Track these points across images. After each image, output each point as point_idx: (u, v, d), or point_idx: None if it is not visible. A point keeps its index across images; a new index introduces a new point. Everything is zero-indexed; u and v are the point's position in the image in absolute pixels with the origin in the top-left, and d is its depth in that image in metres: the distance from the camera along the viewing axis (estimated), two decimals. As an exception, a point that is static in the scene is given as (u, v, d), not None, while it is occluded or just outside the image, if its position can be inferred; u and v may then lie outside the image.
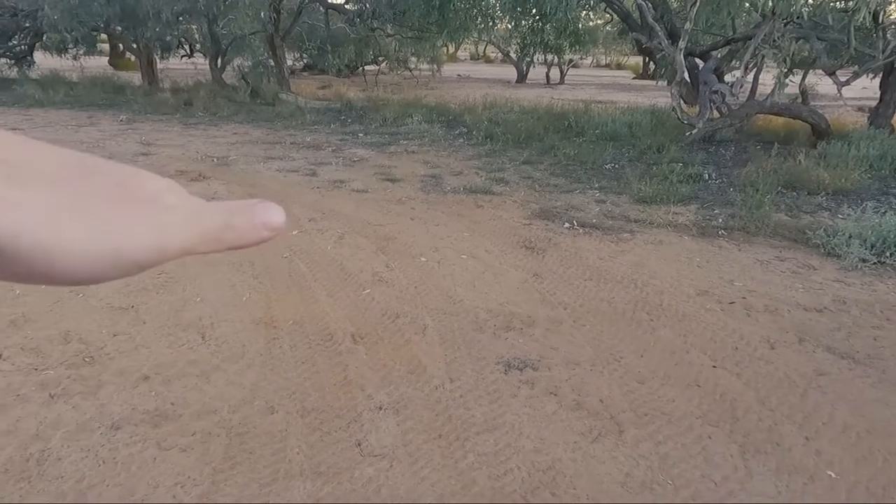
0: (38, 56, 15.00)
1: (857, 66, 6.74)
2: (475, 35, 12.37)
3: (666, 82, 9.00)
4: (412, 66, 19.08)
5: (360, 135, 8.60)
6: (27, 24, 13.06)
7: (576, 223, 4.64)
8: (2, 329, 2.81)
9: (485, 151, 7.44)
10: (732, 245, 4.23)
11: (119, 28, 12.43)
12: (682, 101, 6.98)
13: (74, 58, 14.34)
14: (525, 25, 8.25)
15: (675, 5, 8.48)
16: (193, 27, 14.87)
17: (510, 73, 22.81)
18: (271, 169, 6.30)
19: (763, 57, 5.30)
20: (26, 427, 2.13)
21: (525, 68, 21.09)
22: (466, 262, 3.81)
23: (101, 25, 12.00)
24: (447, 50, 24.03)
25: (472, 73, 24.46)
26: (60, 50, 13.82)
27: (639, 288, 3.48)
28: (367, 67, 19.30)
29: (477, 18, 8.95)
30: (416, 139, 8.30)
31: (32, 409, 2.23)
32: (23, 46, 14.21)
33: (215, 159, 6.66)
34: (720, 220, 4.72)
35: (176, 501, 1.85)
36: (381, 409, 2.32)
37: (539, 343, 2.84)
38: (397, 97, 12.90)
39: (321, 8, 13.01)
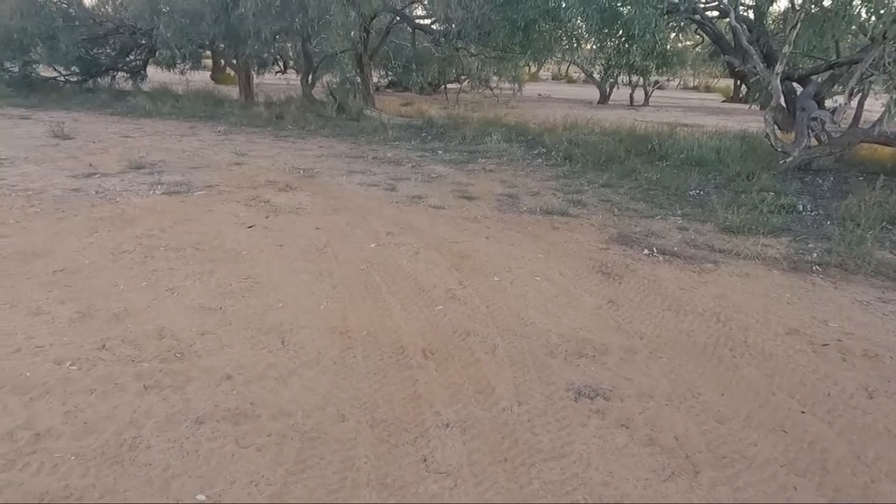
0: (150, 70, 16.34)
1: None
2: (559, 55, 12.30)
3: (759, 107, 8.58)
4: (493, 84, 19.25)
5: (440, 152, 8.75)
6: (143, 42, 14.27)
7: (655, 250, 4.50)
8: (107, 321, 3.06)
9: (563, 173, 7.37)
10: (828, 282, 3.95)
11: (222, 45, 13.32)
12: (776, 128, 6.63)
13: (182, 72, 15.52)
14: (611, 46, 8.13)
15: (772, 27, 8.10)
16: (288, 45, 15.75)
17: (592, 93, 22.52)
18: (353, 182, 6.53)
19: (871, 83, 4.95)
20: (122, 414, 2.31)
21: (608, 89, 20.77)
22: (540, 284, 3.78)
23: (207, 43, 12.92)
24: (529, 69, 24.05)
25: (553, 93, 24.34)
26: (170, 65, 14.97)
27: (721, 322, 3.32)
28: (449, 85, 19.67)
29: (562, 39, 8.91)
30: (494, 158, 8.34)
31: (128, 399, 2.41)
32: (138, 61, 15.53)
33: (302, 171, 6.98)
34: (815, 255, 4.43)
35: (250, 500, 1.94)
36: (448, 426, 2.33)
37: (612, 372, 2.77)
38: (477, 115, 13.03)
39: (408, 28, 13.40)
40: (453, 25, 10.48)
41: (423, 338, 3.01)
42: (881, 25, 4.58)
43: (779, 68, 5.69)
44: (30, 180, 5.88)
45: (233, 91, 15.88)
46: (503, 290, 3.66)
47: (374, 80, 17.21)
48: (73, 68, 14.79)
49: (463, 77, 19.14)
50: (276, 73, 20.59)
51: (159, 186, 5.90)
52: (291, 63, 19.23)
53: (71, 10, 13.45)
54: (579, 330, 3.17)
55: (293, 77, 19.35)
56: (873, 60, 4.91)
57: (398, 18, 12.81)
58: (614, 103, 20.20)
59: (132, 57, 15.48)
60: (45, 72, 15.13)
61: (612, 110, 17.75)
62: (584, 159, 7.90)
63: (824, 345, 3.09)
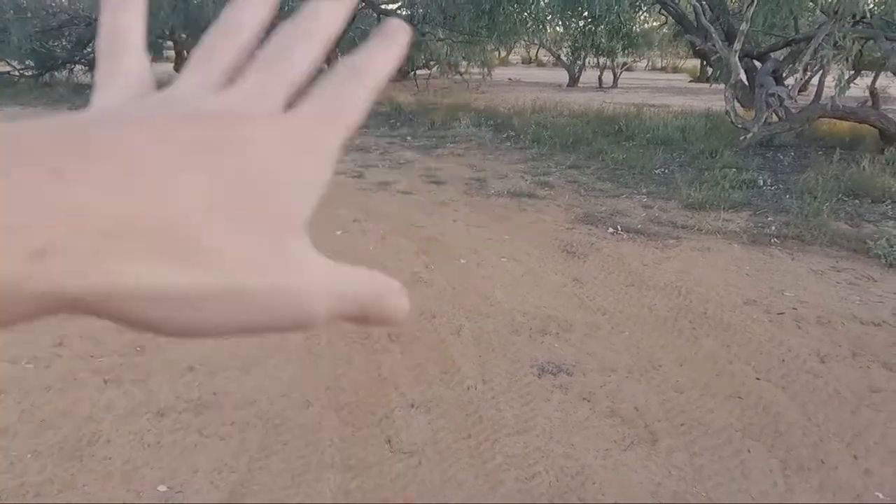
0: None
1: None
2: (526, 38, 12.31)
3: (722, 85, 8.72)
4: (463, 70, 19.18)
5: (408, 138, 8.70)
6: (100, 33, 13.84)
7: (620, 228, 4.56)
8: (64, 315, 2.99)
9: (531, 155, 7.40)
10: (785, 254, 4.06)
11: (184, 35, 13.00)
12: (736, 105, 6.75)
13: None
14: (576, 28, 8.15)
15: (732, 6, 8.21)
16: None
17: (562, 76, 22.58)
18: (320, 171, 6.46)
19: (828, 59, 5.06)
20: (81, 410, 2.27)
21: (577, 72, 20.84)
22: (506, 265, 3.81)
23: (167, 33, 12.60)
24: (498, 54, 24.02)
25: (524, 77, 24.35)
26: (129, 55, 14.57)
27: (682, 295, 3.39)
28: (418, 72, 19.54)
29: (527, 22, 8.91)
30: (463, 143, 8.33)
31: (87, 393, 2.37)
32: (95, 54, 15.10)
33: (268, 161, 6.88)
34: (773, 228, 4.54)
35: (213, 488, 1.93)
36: (412, 406, 2.35)
37: (575, 348, 2.81)
38: (447, 101, 12.98)
39: (374, 14, 13.24)
40: (419, 10, 10.40)
41: (389, 322, 3.02)
42: (833, 1, 4.68)
43: (737, 45, 5.78)
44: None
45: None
46: (470, 272, 3.68)
47: (342, 67, 16.99)
48: (27, 62, 14.30)
49: (432, 63, 19.02)
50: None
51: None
52: (257, 52, 18.88)
53: (22, 2, 12.96)
54: (544, 308, 3.21)
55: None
56: (826, 36, 5.03)
57: (363, 4, 12.65)
58: (583, 86, 20.30)
59: (90, 49, 15.01)
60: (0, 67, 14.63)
61: (581, 93, 17.84)
62: (552, 142, 7.94)
63: (780, 313, 3.18)
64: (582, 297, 3.37)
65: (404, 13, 12.09)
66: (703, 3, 7.24)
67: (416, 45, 14.77)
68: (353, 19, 13.35)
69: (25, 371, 2.51)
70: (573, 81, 20.60)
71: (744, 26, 5.60)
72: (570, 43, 14.18)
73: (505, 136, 8.81)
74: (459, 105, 11.80)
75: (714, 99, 14.71)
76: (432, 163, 6.97)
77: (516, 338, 2.89)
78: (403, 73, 19.94)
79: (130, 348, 2.71)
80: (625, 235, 4.43)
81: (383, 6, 12.80)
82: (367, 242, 4.18)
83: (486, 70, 19.61)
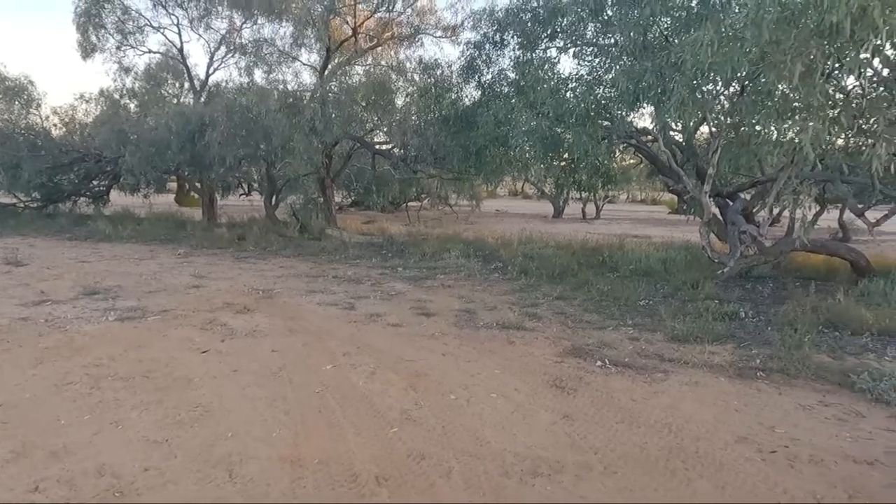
0: (114, 194, 16.59)
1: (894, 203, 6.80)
2: (511, 176, 13.14)
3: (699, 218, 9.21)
4: (453, 202, 20.14)
5: (400, 269, 8.95)
6: (108, 168, 14.62)
7: (608, 361, 4.61)
8: (43, 460, 2.91)
9: (519, 286, 7.60)
10: (772, 388, 4.09)
11: (187, 171, 13.72)
12: (712, 238, 7.10)
13: (145, 196, 15.84)
14: (557, 167, 8.76)
15: (701, 149, 8.91)
16: (252, 169, 16.35)
17: (547, 208, 23.69)
18: (312, 302, 6.58)
19: (789, 202, 5.45)
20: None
21: (561, 204, 21.92)
22: (496, 402, 3.79)
23: (172, 169, 13.31)
24: (486, 187, 25.34)
25: (510, 209, 25.51)
26: (134, 189, 15.28)
27: (673, 433, 3.37)
28: (410, 203, 20.46)
29: (511, 163, 9.57)
30: (452, 273, 8.57)
31: (58, 547, 2.26)
32: (101, 187, 15.79)
33: (261, 292, 7.01)
34: (758, 361, 4.60)
35: None
36: (400, 560, 2.25)
37: (567, 491, 2.75)
38: (437, 232, 13.50)
39: (369, 153, 14.16)
40: (411, 151, 11.16)
41: (377, 464, 2.96)
42: (785, 154, 5.14)
43: (706, 187, 6.23)
44: (-24, 310, 5.74)
45: (196, 213, 16.15)
46: (459, 409, 3.66)
47: (337, 199, 17.82)
48: (33, 194, 14.91)
49: (423, 195, 20.00)
50: (241, 195, 21.13)
51: (112, 312, 5.83)
52: (255, 186, 19.81)
53: (38, 141, 13.80)
54: (535, 448, 3.16)
55: (257, 199, 19.87)
56: (785, 180, 5.46)
57: (358, 145, 13.57)
58: (568, 217, 21.24)
59: (96, 183, 15.75)
60: (4, 198, 15.19)
61: (566, 224, 18.63)
62: (539, 273, 8.20)
63: (772, 452, 3.15)
64: (573, 434, 3.33)
65: (397, 152, 12.96)
66: (673, 146, 7.88)
67: (407, 181, 15.65)
68: (349, 158, 14.25)
69: (-5, 521, 2.40)
70: (558, 213, 21.60)
71: (711, 171, 6.07)
72: (552, 180, 15.08)
73: (493, 266, 9.09)
74: (449, 236, 12.27)
75: (693, 230, 15.36)
76: (423, 294, 7.12)
77: (507, 481, 2.83)
78: (396, 205, 20.89)
79: (109, 493, 2.61)
80: (613, 369, 4.46)
81: (378, 146, 13.74)
82: (357, 378, 4.17)
83: (474, 202, 20.62)
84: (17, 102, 13.89)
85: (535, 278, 8.01)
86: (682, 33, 6.46)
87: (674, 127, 8.21)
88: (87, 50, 14.38)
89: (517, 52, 9.49)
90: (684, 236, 12.73)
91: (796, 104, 4.83)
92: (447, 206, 19.85)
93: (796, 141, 4.40)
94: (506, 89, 9.64)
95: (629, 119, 8.07)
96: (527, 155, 8.10)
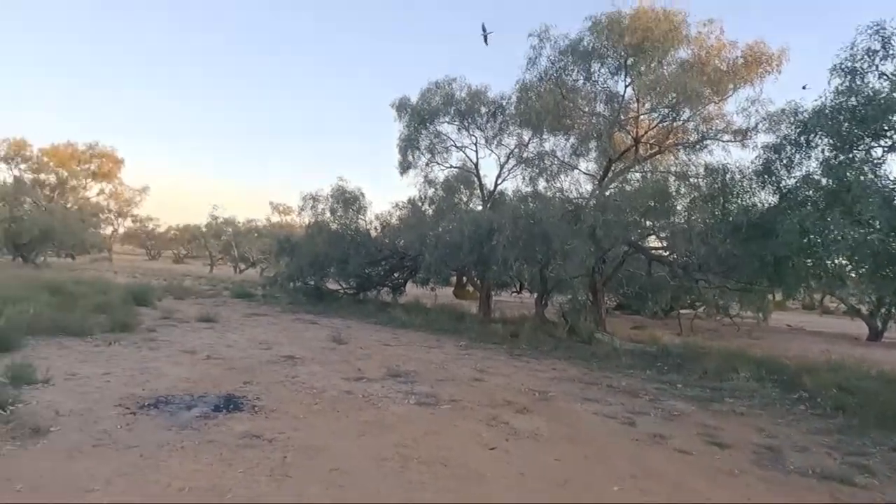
0: (408, 286, 19.25)
1: None
2: (821, 290, 11.40)
3: None
4: (733, 313, 18.17)
5: (679, 385, 8.29)
6: (408, 264, 17.07)
7: None
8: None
9: (836, 426, 6.34)
10: None
11: (473, 271, 15.21)
12: None
13: (432, 288, 18.00)
14: (892, 286, 7.32)
15: None
16: (525, 269, 17.35)
17: (856, 327, 19.69)
18: (588, 411, 6.46)
19: None
20: None
21: (880, 323, 18.03)
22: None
23: (461, 268, 14.91)
24: (774, 297, 22.38)
25: (805, 324, 21.88)
26: (424, 283, 17.46)
27: None
28: (682, 311, 19.09)
29: (821, 277, 8.32)
30: (744, 399, 7.60)
31: None
32: (400, 280, 18.49)
33: (537, 393, 7.17)
34: None
35: None
36: None
37: None
38: (716, 345, 12.27)
39: (643, 257, 13.84)
40: (693, 259, 10.57)
41: None
42: None
43: None
44: (315, 379, 7.04)
45: (472, 306, 17.62)
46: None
47: (605, 302, 17.62)
48: (351, 283, 18.16)
49: (698, 304, 18.52)
50: (512, 292, 22.49)
51: (412, 396, 6.56)
52: (526, 284, 20.90)
53: (361, 240, 16.95)
54: None
55: (527, 296, 20.88)
56: None
57: (633, 249, 13.39)
58: (889, 340, 17.30)
59: (396, 275, 18.48)
60: (332, 285, 18.81)
61: (887, 349, 15.16)
62: (863, 411, 6.74)
63: None
64: None
65: (674, 258, 12.39)
66: None
67: (683, 288, 14.73)
68: (623, 262, 14.11)
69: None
70: (875, 335, 17.77)
71: None
72: (874, 294, 12.62)
73: (796, 396, 7.81)
74: (733, 352, 11.01)
75: None
76: (710, 419, 6.43)
77: None
78: (666, 312, 19.70)
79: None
80: None
81: (654, 251, 13.36)
82: (648, 507, 3.89)
83: (761, 315, 18.28)
84: (351, 209, 17.44)
85: (858, 419, 6.59)
86: None
87: None
88: (405, 167, 17.48)
89: (827, 154, 8.48)
90: None
91: None
92: (727, 316, 17.95)
93: None
94: (812, 194, 8.60)
95: None
96: (849, 270, 6.97)
